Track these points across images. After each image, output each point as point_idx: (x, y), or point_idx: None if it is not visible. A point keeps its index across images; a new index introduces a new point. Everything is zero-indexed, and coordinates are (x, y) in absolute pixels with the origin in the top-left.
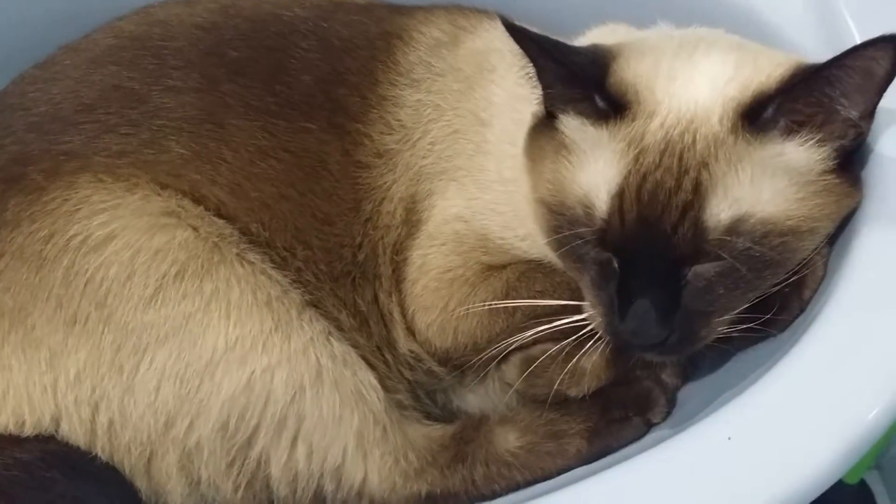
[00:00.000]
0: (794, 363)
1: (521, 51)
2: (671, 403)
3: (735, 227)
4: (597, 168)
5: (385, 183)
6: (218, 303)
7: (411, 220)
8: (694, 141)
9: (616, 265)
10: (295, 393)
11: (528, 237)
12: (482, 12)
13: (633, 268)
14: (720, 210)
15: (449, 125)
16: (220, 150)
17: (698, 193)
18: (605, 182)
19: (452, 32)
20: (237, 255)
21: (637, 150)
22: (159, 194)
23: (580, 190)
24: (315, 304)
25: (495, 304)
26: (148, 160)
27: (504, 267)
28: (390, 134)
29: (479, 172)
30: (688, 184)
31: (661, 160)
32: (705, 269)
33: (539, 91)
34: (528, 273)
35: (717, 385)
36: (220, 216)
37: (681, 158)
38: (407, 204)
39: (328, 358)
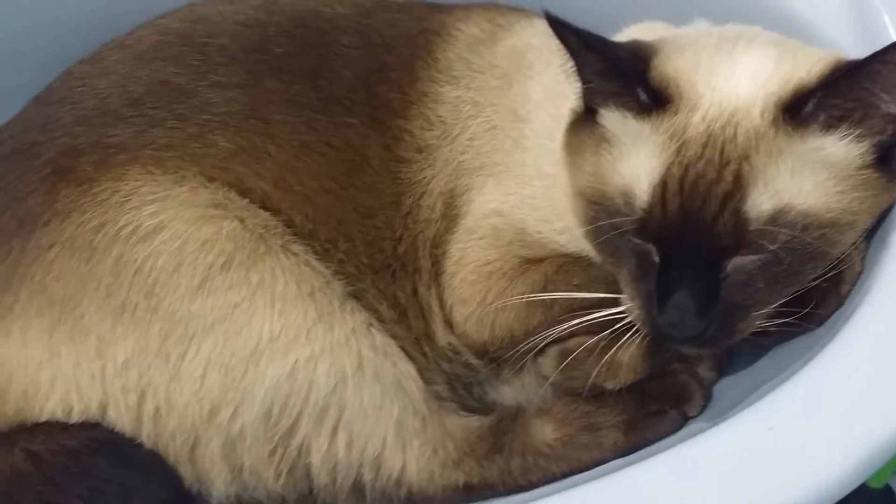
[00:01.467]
0: (832, 357)
1: (561, 46)
2: (707, 397)
3: (776, 218)
4: (638, 159)
5: (425, 178)
6: (263, 293)
7: (450, 215)
8: (735, 134)
9: (655, 257)
10: (337, 382)
11: (566, 231)
12: (519, 10)
13: (673, 259)
14: (761, 201)
15: (487, 121)
16: (264, 145)
17: (739, 184)
18: (646, 173)
19: (490, 30)
20: (282, 246)
21: (679, 143)
22: (206, 186)
23: (621, 180)
24: (356, 296)
25: (533, 297)
26: (195, 153)
27: (542, 261)
28: (430, 129)
29: (517, 168)
30: (728, 175)
31: (702, 152)
32: (745, 261)
33: (578, 86)
34: (566, 266)
35: (753, 379)
36: (265, 208)
37: (722, 151)
38: (446, 198)
39: (369, 349)
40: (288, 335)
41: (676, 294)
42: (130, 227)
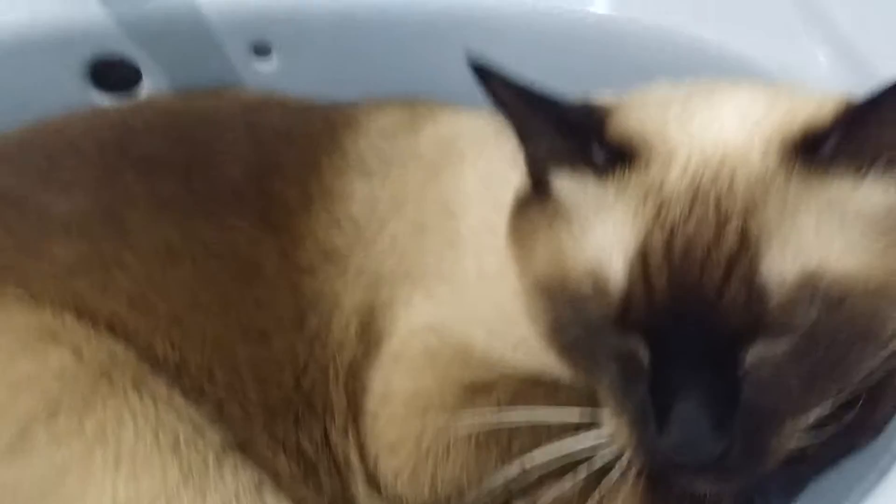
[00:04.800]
0: None
1: (497, 103)
2: None
3: (805, 288)
4: (606, 230)
5: (335, 291)
6: (104, 450)
7: (369, 337)
8: (731, 184)
9: (646, 356)
10: None
11: (522, 344)
12: (442, 104)
13: (671, 356)
14: (782, 265)
15: (411, 219)
16: (118, 253)
17: (746, 245)
18: (619, 245)
19: (410, 119)
20: (133, 383)
21: (657, 203)
22: (30, 307)
23: (586, 260)
24: (242, 448)
25: (483, 420)
26: (20, 266)
27: (492, 386)
28: (339, 231)
29: (452, 272)
30: (731, 234)
31: (691, 210)
32: (769, 349)
33: (523, 159)
34: (524, 392)
35: None
36: (113, 334)
37: (717, 206)
38: (363, 316)
39: None
40: None
41: (681, 404)
42: None
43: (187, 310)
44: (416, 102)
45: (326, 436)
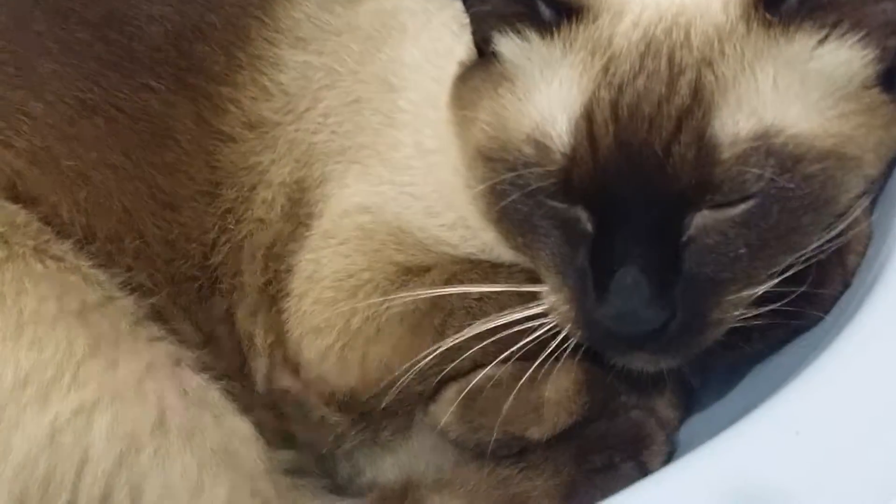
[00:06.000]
0: (843, 355)
1: None
2: (671, 442)
3: (757, 146)
4: (550, 91)
5: (260, 163)
6: (3, 316)
7: (297, 215)
8: (688, 36)
9: (588, 223)
10: (124, 448)
11: (459, 224)
12: None
13: (613, 222)
14: (736, 120)
15: (348, 93)
16: (23, 101)
17: (699, 99)
18: (563, 105)
19: None
20: (35, 248)
21: (605, 58)
22: None
23: (529, 122)
24: (156, 318)
25: (417, 297)
26: None
27: (427, 269)
28: (267, 100)
29: (389, 149)
30: (684, 87)
31: (641, 65)
32: (715, 215)
33: (468, 26)
34: (460, 275)
35: (730, 412)
36: (14, 197)
37: (671, 59)
38: (291, 192)
39: (175, 394)
40: (44, 377)
41: (621, 271)
42: None
43: (95, 168)
44: None
45: (230, 314)
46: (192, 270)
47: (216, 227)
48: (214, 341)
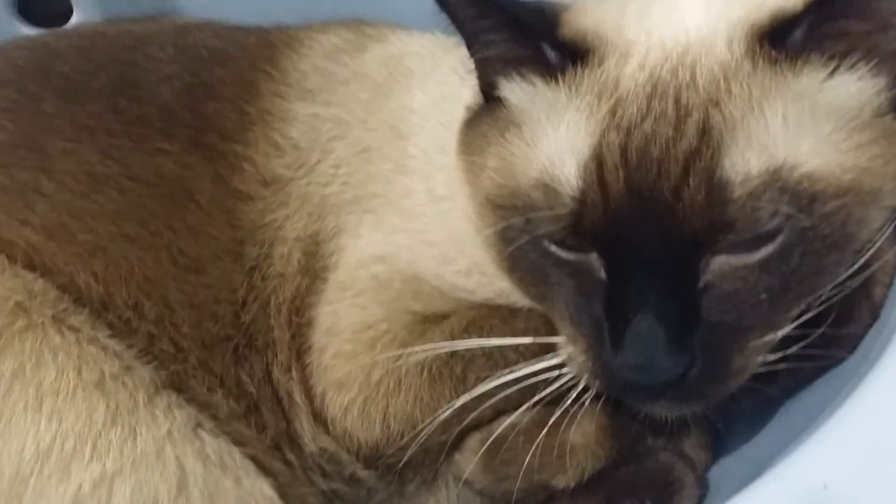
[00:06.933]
0: (876, 392)
1: (444, 6)
2: (702, 484)
3: (770, 182)
4: (558, 135)
5: (276, 220)
6: (23, 388)
7: (314, 268)
8: (693, 76)
9: (601, 270)
10: None
11: (475, 270)
12: (391, 24)
13: (627, 268)
14: (746, 160)
15: (357, 142)
16: (37, 182)
17: (707, 139)
18: (571, 149)
19: (356, 39)
20: (53, 318)
21: (612, 101)
22: None
23: (537, 166)
24: (177, 385)
25: (436, 349)
26: None
27: (445, 316)
28: (279, 156)
29: (401, 197)
30: (691, 129)
31: (648, 107)
32: (734, 261)
33: (473, 72)
34: (478, 321)
35: (762, 452)
36: (30, 267)
37: (677, 100)
38: (307, 246)
39: (196, 460)
40: (65, 448)
41: (637, 319)
42: None
43: (111, 239)
44: (363, 24)
45: (269, 372)
46: (226, 330)
47: (244, 284)
48: (255, 408)
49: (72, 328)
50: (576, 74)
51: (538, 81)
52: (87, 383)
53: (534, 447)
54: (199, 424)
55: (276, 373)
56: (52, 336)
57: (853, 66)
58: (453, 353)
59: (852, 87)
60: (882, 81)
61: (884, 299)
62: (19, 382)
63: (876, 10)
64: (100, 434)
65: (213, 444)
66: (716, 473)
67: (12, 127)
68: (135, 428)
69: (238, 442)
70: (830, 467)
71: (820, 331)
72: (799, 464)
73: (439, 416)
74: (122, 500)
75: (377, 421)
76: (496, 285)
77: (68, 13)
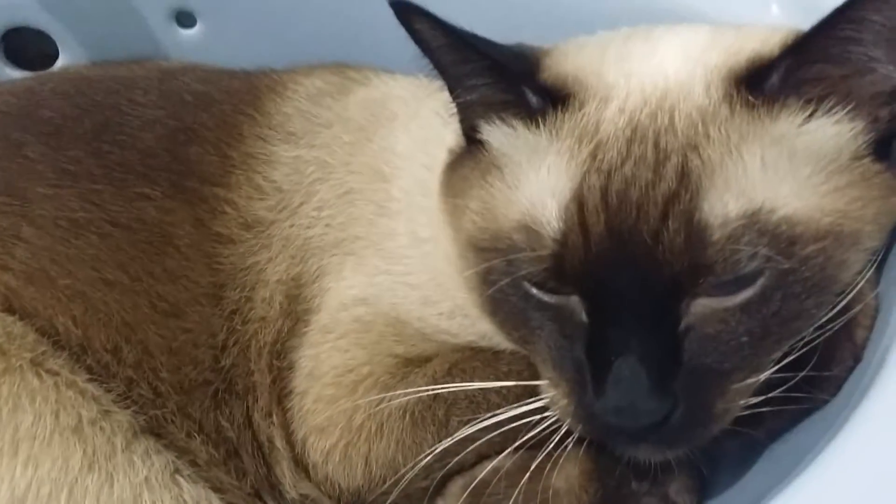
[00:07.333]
0: (858, 435)
1: (423, 46)
2: None
3: (748, 225)
4: (539, 178)
5: (258, 263)
6: (0, 432)
7: (296, 311)
8: (672, 121)
9: (582, 312)
10: None
11: (457, 312)
12: (375, 68)
13: (608, 311)
14: (725, 203)
15: (340, 184)
16: (16, 227)
17: (686, 183)
18: (552, 191)
19: (339, 83)
20: (31, 361)
21: (593, 145)
22: None
23: (519, 208)
24: (155, 431)
25: (419, 392)
26: None
27: (427, 359)
28: (261, 199)
29: (384, 239)
30: (670, 171)
31: (628, 150)
32: (714, 304)
33: (455, 116)
34: (461, 364)
35: (746, 497)
36: (9, 311)
37: (656, 144)
38: (289, 289)
39: None
40: (40, 494)
41: (619, 362)
42: None
43: (91, 284)
44: (347, 67)
45: (249, 417)
46: (205, 375)
47: (224, 328)
48: (234, 454)
49: (50, 371)
50: (556, 118)
51: (519, 125)
52: (64, 428)
53: (517, 492)
54: (177, 470)
55: (257, 418)
56: (30, 380)
57: (830, 109)
58: (436, 397)
59: (830, 130)
60: (859, 125)
61: (866, 341)
62: None
63: (851, 55)
64: (76, 480)
65: (192, 491)
66: None
67: None
68: (112, 474)
69: (217, 489)
70: None
71: (803, 373)
72: None
73: (421, 460)
74: None
75: (359, 466)
76: (479, 328)
77: (54, 56)
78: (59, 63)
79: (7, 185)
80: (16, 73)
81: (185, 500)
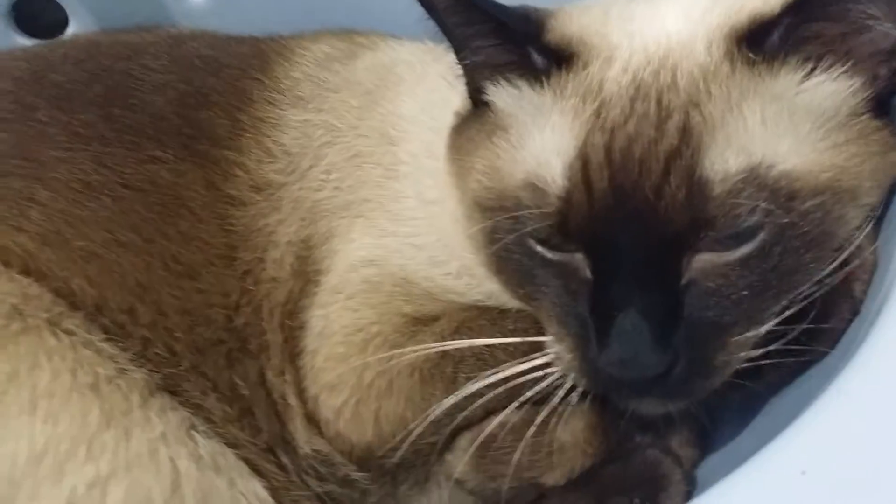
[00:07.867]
0: (856, 383)
1: (429, 7)
2: (690, 481)
3: (748, 180)
4: (544, 137)
5: (268, 224)
6: (18, 390)
7: (306, 272)
8: (674, 79)
9: (586, 269)
10: None
11: (464, 272)
12: (383, 33)
13: (612, 267)
14: (725, 158)
15: (348, 148)
16: (31, 190)
17: (688, 139)
18: (556, 150)
19: (347, 48)
20: (48, 322)
21: (597, 103)
22: None
23: (524, 168)
24: (171, 389)
25: (427, 350)
26: None
27: (435, 318)
28: (271, 162)
29: (391, 201)
30: (672, 128)
31: (631, 108)
32: (715, 259)
33: (461, 78)
34: (468, 322)
35: (747, 449)
36: (25, 272)
37: (659, 102)
38: (299, 250)
39: (190, 461)
40: (59, 450)
41: (622, 316)
42: None
43: (105, 246)
44: (354, 33)
45: (262, 376)
46: (218, 334)
47: (237, 289)
48: (248, 411)
49: (67, 331)
50: (561, 78)
51: (524, 86)
52: (81, 386)
53: (523, 445)
54: (192, 427)
55: (270, 376)
56: (47, 339)
57: (829, 67)
58: (444, 354)
59: (828, 88)
60: (858, 82)
61: (863, 295)
62: (14, 385)
63: (850, 13)
64: (94, 436)
65: (207, 446)
66: (703, 470)
67: (7, 137)
68: (129, 430)
69: (232, 444)
70: (808, 455)
71: (802, 327)
72: (778, 452)
73: (430, 415)
74: (116, 502)
75: (369, 422)
76: (485, 287)
77: (64, 23)
78: (70, 31)
79: (21, 149)
80: (27, 42)
81: (200, 455)
